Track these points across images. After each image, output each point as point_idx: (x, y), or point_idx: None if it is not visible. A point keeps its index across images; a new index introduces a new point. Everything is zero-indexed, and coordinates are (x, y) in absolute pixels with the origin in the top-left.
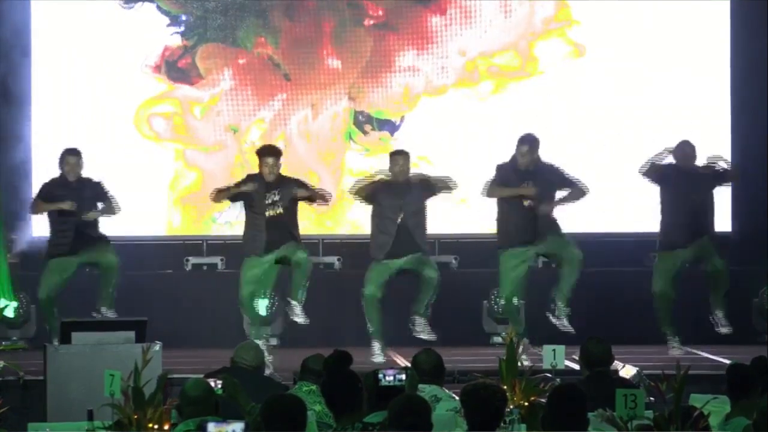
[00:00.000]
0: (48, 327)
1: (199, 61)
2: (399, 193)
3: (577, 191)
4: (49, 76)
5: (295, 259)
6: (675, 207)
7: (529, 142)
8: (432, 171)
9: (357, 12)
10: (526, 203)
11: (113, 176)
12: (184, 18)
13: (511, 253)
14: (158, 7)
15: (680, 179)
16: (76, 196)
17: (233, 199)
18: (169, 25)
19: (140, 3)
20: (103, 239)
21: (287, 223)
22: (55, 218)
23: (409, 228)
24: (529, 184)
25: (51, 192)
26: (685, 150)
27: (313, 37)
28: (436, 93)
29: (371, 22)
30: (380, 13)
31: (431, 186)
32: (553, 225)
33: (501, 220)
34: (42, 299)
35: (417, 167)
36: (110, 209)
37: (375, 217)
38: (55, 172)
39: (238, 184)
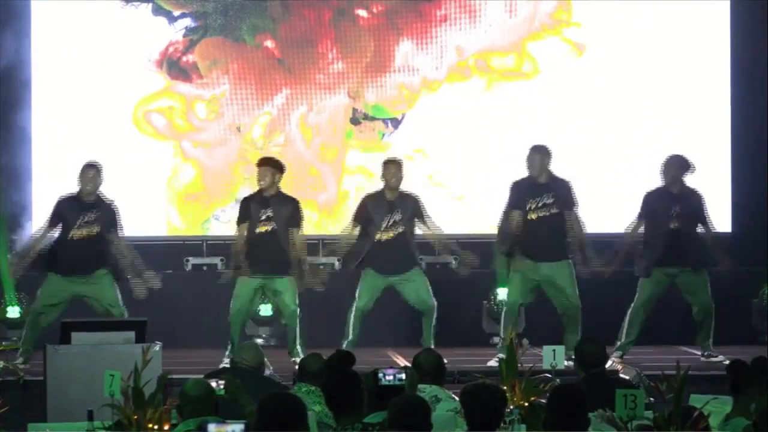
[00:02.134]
0: (21, 342)
1: (199, 59)
2: (392, 207)
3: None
4: (49, 75)
5: (281, 307)
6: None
7: (540, 151)
8: (429, 166)
9: (358, 10)
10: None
11: (113, 175)
12: (183, 17)
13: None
14: (158, 8)
15: (663, 203)
16: (89, 217)
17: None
18: (168, 25)
19: (142, 4)
20: (105, 270)
21: (279, 241)
22: (63, 234)
23: (403, 242)
24: (548, 196)
25: (63, 214)
26: (671, 169)
27: (314, 35)
28: (436, 90)
29: (373, 19)
30: (382, 10)
31: (422, 215)
32: (560, 249)
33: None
34: (33, 313)
35: (412, 160)
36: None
37: (365, 234)
38: (56, 172)
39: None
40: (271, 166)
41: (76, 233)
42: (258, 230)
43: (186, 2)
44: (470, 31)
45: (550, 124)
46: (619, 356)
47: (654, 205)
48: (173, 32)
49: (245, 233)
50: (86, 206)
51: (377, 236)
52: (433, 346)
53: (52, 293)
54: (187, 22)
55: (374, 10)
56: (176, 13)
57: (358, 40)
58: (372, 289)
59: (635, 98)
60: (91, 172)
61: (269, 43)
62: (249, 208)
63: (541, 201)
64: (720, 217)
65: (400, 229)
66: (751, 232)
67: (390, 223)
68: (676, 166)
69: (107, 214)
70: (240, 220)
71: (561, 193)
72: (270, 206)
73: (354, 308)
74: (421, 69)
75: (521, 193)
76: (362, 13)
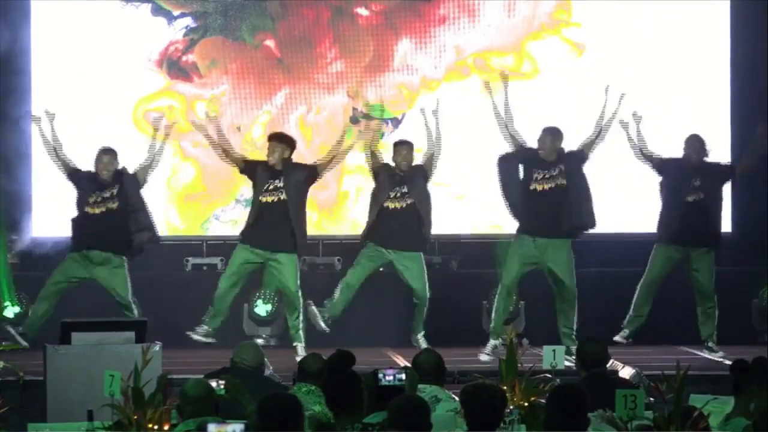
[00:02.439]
0: (30, 315)
1: (198, 58)
2: (402, 180)
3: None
4: (49, 74)
5: (282, 287)
6: (673, 201)
7: (552, 132)
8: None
9: (357, 9)
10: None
11: None
12: (183, 17)
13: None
14: (158, 8)
15: (683, 170)
16: (107, 194)
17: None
18: (168, 25)
19: (142, 4)
20: (120, 256)
21: (288, 212)
22: (79, 208)
23: (411, 217)
24: (555, 169)
25: (80, 181)
26: (695, 144)
27: (313, 34)
28: (435, 89)
29: (372, 19)
30: (381, 9)
31: (426, 170)
32: (562, 225)
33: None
34: (50, 286)
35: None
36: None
37: (374, 201)
38: (56, 171)
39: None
40: (279, 141)
41: (92, 210)
42: (263, 200)
43: (186, 2)
44: (469, 30)
45: (550, 123)
46: (626, 336)
47: (673, 170)
48: (173, 32)
49: (238, 155)
50: (103, 185)
51: (385, 204)
52: (422, 334)
53: (70, 268)
54: (187, 21)
55: (373, 9)
56: (176, 13)
57: (357, 39)
58: (367, 264)
59: (635, 98)
60: (105, 157)
61: (269, 43)
62: (255, 169)
63: (549, 173)
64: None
65: (409, 201)
66: (751, 232)
67: (399, 195)
68: (698, 146)
69: (125, 187)
70: (249, 165)
71: (569, 160)
72: (281, 176)
73: (344, 280)
74: (420, 68)
75: (527, 159)
76: (361, 12)
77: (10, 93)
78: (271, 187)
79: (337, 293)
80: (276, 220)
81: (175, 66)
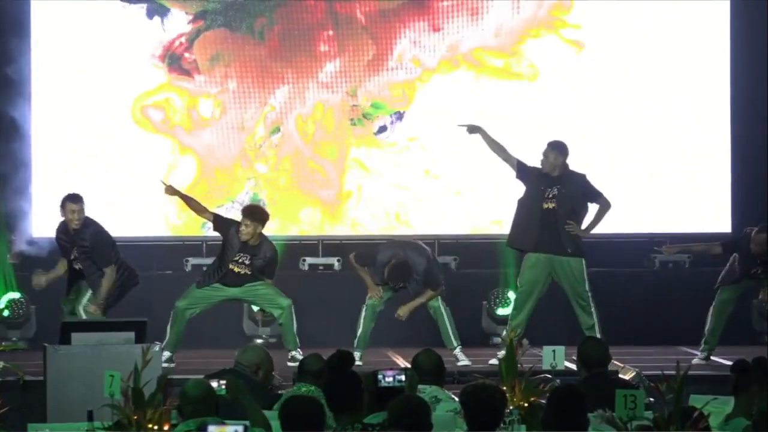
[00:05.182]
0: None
1: (199, 56)
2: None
3: (604, 206)
4: (48, 72)
5: (276, 314)
6: None
7: (557, 148)
8: (425, 157)
9: (357, 5)
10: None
11: (114, 175)
12: (183, 16)
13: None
14: (159, 7)
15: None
16: (78, 252)
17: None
18: (169, 24)
19: (145, 4)
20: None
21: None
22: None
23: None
24: (554, 189)
25: (60, 243)
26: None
27: (313, 31)
28: (428, 82)
29: (372, 15)
30: (380, 6)
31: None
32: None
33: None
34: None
35: (408, 150)
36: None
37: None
38: (56, 170)
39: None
40: (252, 218)
41: (74, 265)
42: (232, 267)
43: (186, 1)
44: (469, 28)
45: (551, 124)
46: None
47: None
48: (173, 31)
49: (210, 216)
50: (74, 239)
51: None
52: (457, 348)
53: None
54: (188, 20)
55: (373, 6)
56: (177, 11)
57: (357, 36)
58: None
59: (635, 98)
60: (73, 206)
61: (268, 40)
62: (228, 230)
63: (551, 192)
64: (720, 217)
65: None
66: None
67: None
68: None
69: (93, 251)
70: (222, 223)
71: (571, 188)
72: (252, 254)
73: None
74: (419, 65)
75: (534, 176)
76: (361, 9)
77: (10, 93)
78: (240, 260)
79: (365, 324)
80: (238, 283)
81: (176, 65)
